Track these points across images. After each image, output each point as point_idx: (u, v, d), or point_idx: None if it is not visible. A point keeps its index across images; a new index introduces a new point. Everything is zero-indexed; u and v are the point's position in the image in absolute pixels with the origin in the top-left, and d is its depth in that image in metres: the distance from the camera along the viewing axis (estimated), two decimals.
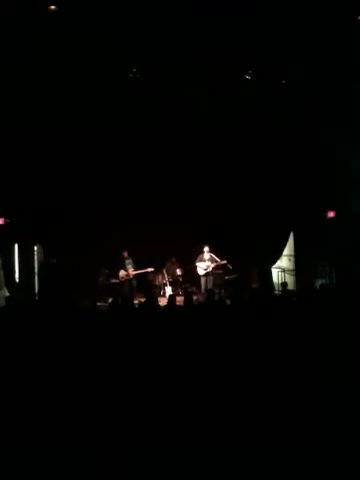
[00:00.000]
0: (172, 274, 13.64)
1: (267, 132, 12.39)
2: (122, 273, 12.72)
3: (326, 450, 3.74)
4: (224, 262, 12.34)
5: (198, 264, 12.59)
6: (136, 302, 9.51)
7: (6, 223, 11.81)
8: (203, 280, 12.64)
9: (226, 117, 12.00)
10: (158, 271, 13.70)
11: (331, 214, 12.62)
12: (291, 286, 12.13)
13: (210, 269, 12.42)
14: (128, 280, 12.79)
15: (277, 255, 13.40)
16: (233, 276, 12.93)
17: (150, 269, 12.78)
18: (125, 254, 12.77)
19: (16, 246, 12.50)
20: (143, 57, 10.71)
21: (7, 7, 8.74)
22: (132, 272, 12.74)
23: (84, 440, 4.12)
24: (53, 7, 9.34)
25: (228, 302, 9.23)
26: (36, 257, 12.97)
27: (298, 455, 3.68)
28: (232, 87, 11.56)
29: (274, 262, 13.43)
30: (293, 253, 13.36)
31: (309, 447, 3.77)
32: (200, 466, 3.70)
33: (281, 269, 13.46)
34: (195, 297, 11.77)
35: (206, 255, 12.53)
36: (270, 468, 3.61)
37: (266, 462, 3.67)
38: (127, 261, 12.76)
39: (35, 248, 12.94)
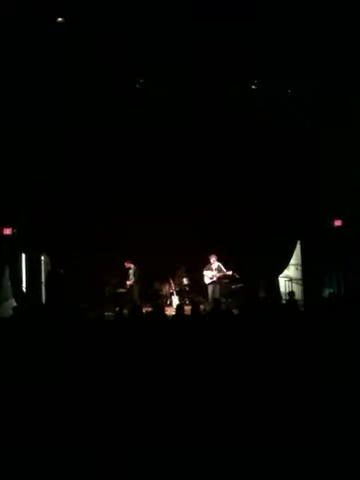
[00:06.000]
0: (179, 283, 13.64)
1: (273, 143, 12.41)
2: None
3: (326, 450, 3.73)
4: (229, 273, 12.37)
5: (205, 273, 12.64)
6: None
7: (13, 233, 11.85)
8: (210, 289, 12.67)
9: (230, 125, 12.07)
10: (165, 280, 13.71)
11: (338, 223, 12.58)
12: (298, 295, 12.07)
13: (215, 278, 12.48)
14: (129, 289, 13.08)
15: (284, 264, 13.35)
16: (240, 285, 12.90)
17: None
18: (126, 265, 13.04)
19: (23, 256, 12.53)
20: (146, 64, 10.77)
21: (10, 11, 8.83)
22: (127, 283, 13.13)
23: (84, 440, 4.13)
24: (60, 19, 9.48)
25: (235, 311, 9.21)
26: (43, 267, 13.00)
27: (298, 455, 3.67)
28: (237, 94, 11.62)
29: (281, 271, 13.38)
30: (300, 262, 13.31)
31: (309, 447, 3.76)
32: (200, 466, 3.70)
33: (288, 278, 13.41)
34: (202, 306, 11.75)
35: (214, 265, 12.58)
36: (270, 468, 3.60)
37: (266, 462, 3.66)
38: (130, 271, 13.06)
39: (42, 258, 12.97)
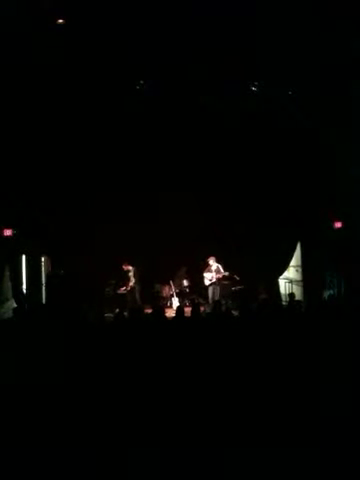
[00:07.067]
0: (179, 285, 13.63)
1: (273, 144, 12.40)
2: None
3: (326, 450, 3.73)
4: (226, 274, 12.39)
5: (205, 274, 12.66)
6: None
7: (14, 235, 11.84)
8: (210, 291, 12.68)
9: (230, 125, 12.09)
10: (165, 282, 13.70)
11: (338, 224, 12.57)
12: (299, 297, 12.05)
13: (214, 279, 12.49)
14: (130, 291, 13.02)
15: (284, 266, 13.36)
16: (240, 287, 12.90)
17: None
18: (124, 267, 13.00)
19: (23, 257, 12.53)
20: (146, 65, 10.77)
21: (11, 11, 8.85)
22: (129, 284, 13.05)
23: (84, 441, 4.14)
24: (61, 21, 9.49)
25: (235, 313, 9.20)
26: (43, 268, 12.99)
27: (298, 455, 3.67)
28: (237, 95, 11.63)
29: (281, 273, 13.38)
30: (300, 264, 13.31)
31: (309, 447, 3.76)
32: (200, 466, 3.70)
33: (288, 280, 13.40)
34: (202, 308, 11.74)
35: (213, 266, 12.59)
36: (270, 468, 3.60)
37: (266, 462, 3.66)
38: (130, 274, 13.02)
39: (42, 259, 12.97)
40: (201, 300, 13.24)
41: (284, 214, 12.68)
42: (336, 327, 6.42)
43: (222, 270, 12.51)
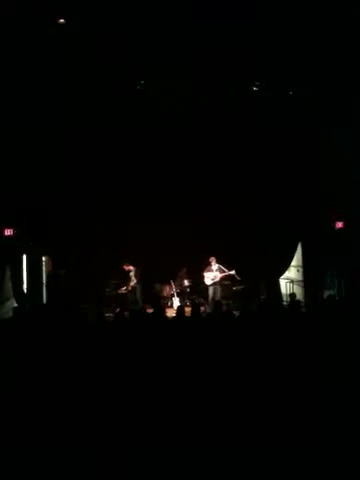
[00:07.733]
0: (180, 285, 13.62)
1: (273, 144, 12.40)
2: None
3: (326, 450, 3.73)
4: (232, 272, 12.36)
5: (206, 274, 12.63)
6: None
7: (15, 234, 11.85)
8: (211, 291, 12.66)
9: (230, 125, 12.09)
10: (166, 282, 13.70)
11: (339, 225, 12.57)
12: (299, 297, 12.03)
13: (217, 279, 12.47)
14: (131, 291, 13.04)
15: (285, 266, 13.35)
16: (241, 287, 12.89)
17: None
18: (125, 267, 13.00)
19: (24, 257, 12.54)
20: (147, 65, 10.77)
21: (11, 11, 8.85)
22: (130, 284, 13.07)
23: (84, 441, 4.14)
24: (62, 20, 9.49)
25: (236, 313, 9.20)
26: (44, 268, 13.00)
27: (298, 455, 3.67)
28: (237, 95, 11.63)
29: (282, 273, 13.37)
30: (301, 264, 13.29)
31: (309, 447, 3.76)
32: (200, 466, 3.70)
33: (289, 280, 13.39)
34: (203, 308, 11.73)
35: (214, 266, 12.58)
36: (270, 468, 3.60)
37: (266, 462, 3.66)
38: (131, 274, 13.03)
39: (43, 259, 12.97)
40: (202, 300, 13.24)
41: (285, 214, 12.68)
42: (336, 327, 6.43)
43: (225, 269, 12.48)
